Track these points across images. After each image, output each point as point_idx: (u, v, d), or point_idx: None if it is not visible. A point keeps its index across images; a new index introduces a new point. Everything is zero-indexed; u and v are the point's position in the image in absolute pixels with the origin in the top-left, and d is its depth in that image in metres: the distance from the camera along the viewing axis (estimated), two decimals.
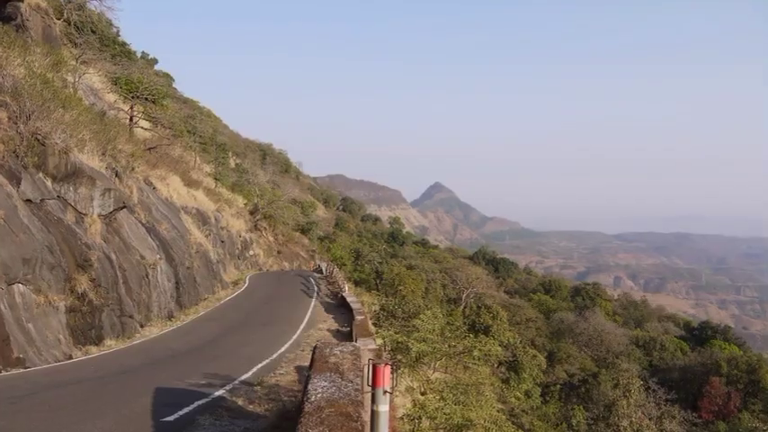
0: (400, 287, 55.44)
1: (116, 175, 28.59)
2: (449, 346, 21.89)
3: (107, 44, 56.17)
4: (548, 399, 54.43)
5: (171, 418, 11.94)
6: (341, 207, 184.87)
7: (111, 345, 21.34)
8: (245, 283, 44.71)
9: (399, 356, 19.21)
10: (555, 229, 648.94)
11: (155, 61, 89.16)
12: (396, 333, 21.66)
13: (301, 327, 26.99)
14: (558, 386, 57.51)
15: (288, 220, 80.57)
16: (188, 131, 67.51)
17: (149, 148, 41.67)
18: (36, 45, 32.36)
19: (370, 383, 8.90)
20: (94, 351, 20.13)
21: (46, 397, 13.04)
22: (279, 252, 73.55)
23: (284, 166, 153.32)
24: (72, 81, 35.85)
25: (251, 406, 13.56)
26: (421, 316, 24.31)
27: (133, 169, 32.65)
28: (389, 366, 9.01)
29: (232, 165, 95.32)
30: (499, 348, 24.79)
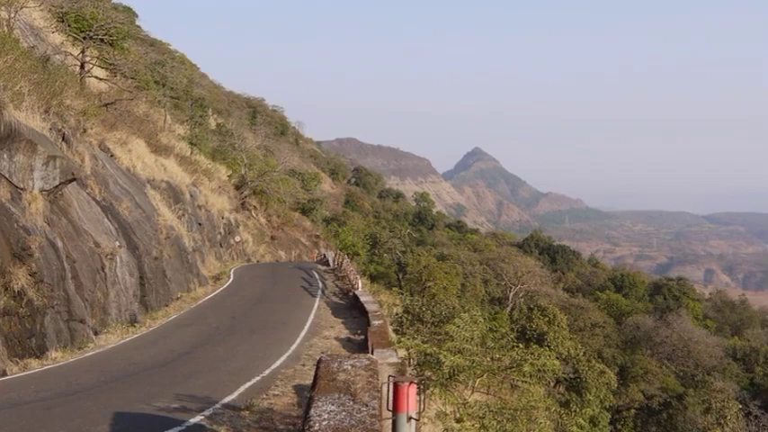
0: (429, 283, 55.41)
1: (63, 139, 28.54)
2: (492, 359, 21.72)
3: None
4: (619, 427, 54.33)
5: None
6: (353, 180, 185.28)
7: (57, 357, 21.34)
8: (229, 277, 44.76)
9: (428, 372, 19.08)
10: (628, 208, 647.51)
11: None
12: (423, 342, 21.53)
13: (302, 334, 26.93)
14: (633, 411, 57.37)
15: (284, 196, 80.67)
16: (156, 82, 67.64)
17: (106, 104, 41.64)
18: None
19: (390, 407, 8.77)
20: (35, 365, 20.15)
21: None
22: (273, 238, 73.73)
23: (280, 128, 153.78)
24: (5, 17, 35.78)
25: None
26: (456, 320, 24.13)
27: (85, 131, 32.60)
28: (415, 385, 8.87)
29: (212, 125, 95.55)
30: (557, 362, 24.62)
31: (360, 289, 37.46)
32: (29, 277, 21.23)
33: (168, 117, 68.60)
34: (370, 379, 8.92)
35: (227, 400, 16.24)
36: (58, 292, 22.82)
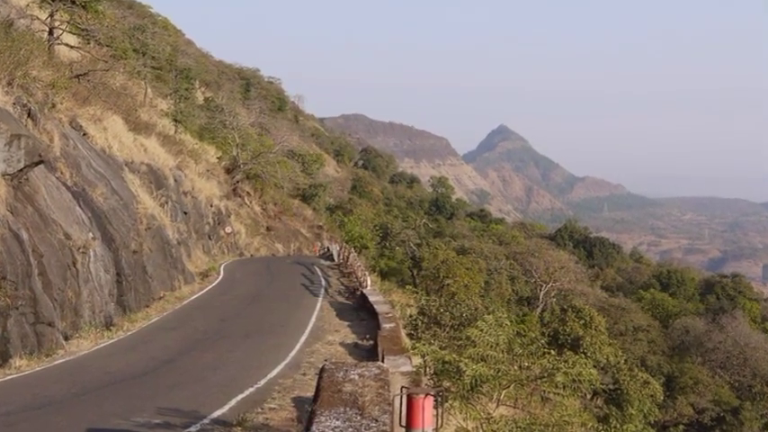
0: (448, 281, 55.31)
1: (29, 116, 28.54)
2: (520, 367, 21.65)
3: None
4: None
5: None
6: (360, 162, 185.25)
7: (22, 365, 21.37)
8: (218, 273, 44.84)
9: (446, 383, 19.03)
10: (676, 194, 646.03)
11: None
12: (441, 349, 21.49)
13: (302, 339, 26.96)
14: (682, 427, 57.33)
15: (282, 181, 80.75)
16: (135, 51, 67.53)
17: (78, 76, 41.64)
18: None
19: (403, 423, 8.74)
20: None
21: None
22: (269, 229, 73.84)
23: (277, 103, 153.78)
24: None
25: None
26: (479, 323, 24.07)
27: (54, 106, 32.60)
28: (432, 398, 8.84)
29: (200, 100, 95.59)
30: (594, 371, 24.54)
31: (368, 287, 37.47)
32: None
33: (149, 90, 68.67)
34: (380, 390, 8.87)
35: (216, 414, 16.23)
36: (23, 291, 22.79)
